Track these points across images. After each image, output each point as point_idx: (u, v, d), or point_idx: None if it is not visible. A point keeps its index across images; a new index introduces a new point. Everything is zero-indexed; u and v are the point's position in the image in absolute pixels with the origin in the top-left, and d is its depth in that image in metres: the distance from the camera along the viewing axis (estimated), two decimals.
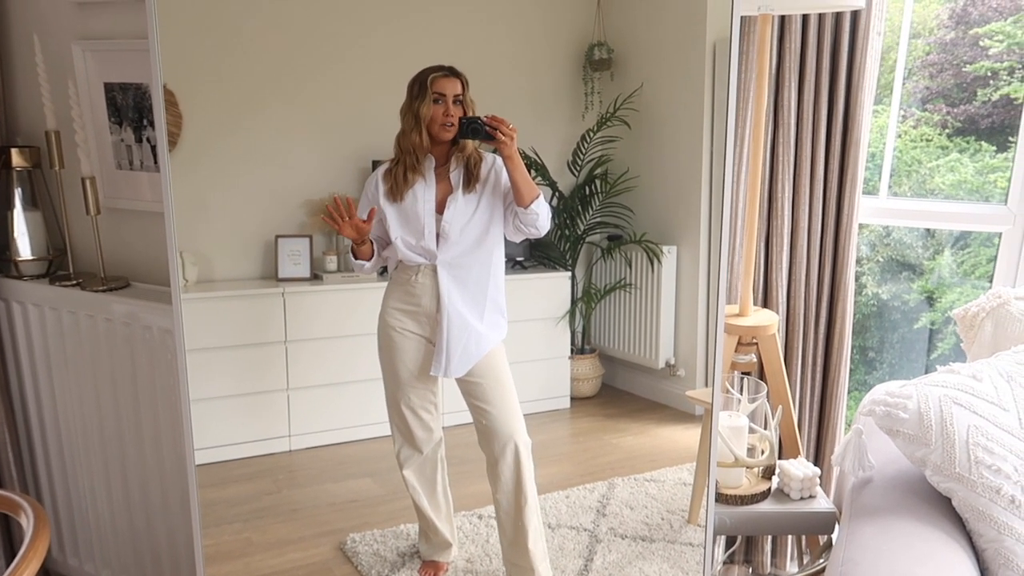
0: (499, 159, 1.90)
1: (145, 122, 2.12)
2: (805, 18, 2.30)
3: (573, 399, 2.71)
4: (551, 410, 2.69)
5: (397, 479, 2.13)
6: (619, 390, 2.78)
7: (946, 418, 1.47)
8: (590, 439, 2.67)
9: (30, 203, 2.21)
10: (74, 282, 2.17)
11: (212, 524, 2.25)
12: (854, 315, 2.49)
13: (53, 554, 2.38)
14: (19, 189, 2.18)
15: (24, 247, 2.21)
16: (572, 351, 2.67)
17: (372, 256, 1.98)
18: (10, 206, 2.19)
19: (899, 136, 2.69)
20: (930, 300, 2.92)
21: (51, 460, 2.33)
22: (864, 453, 1.64)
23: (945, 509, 1.49)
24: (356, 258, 1.99)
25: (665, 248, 2.56)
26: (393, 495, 2.31)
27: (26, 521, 1.50)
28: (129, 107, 2.12)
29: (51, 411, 2.28)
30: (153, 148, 2.13)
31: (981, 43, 2.61)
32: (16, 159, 2.16)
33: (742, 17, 2.16)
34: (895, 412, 1.52)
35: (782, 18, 2.30)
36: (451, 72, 1.90)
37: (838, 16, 2.31)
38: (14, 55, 2.22)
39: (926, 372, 2.93)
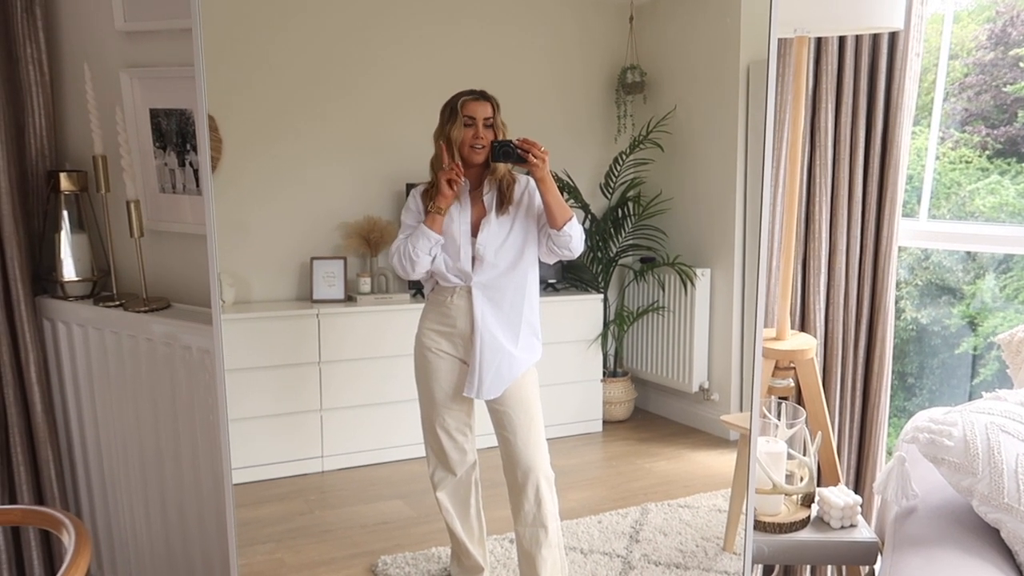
0: (532, 181, 1.91)
1: (188, 146, 2.17)
2: (842, 39, 2.29)
3: (605, 423, 2.68)
4: (583, 433, 2.66)
5: (429, 501, 2.13)
6: (652, 414, 2.75)
7: (993, 446, 1.44)
8: (623, 463, 2.63)
9: (77, 226, 2.27)
10: (117, 303, 2.22)
11: (245, 544, 2.25)
12: (893, 340, 2.44)
13: (91, 571, 2.40)
14: (66, 212, 2.24)
15: (70, 268, 2.26)
16: (604, 374, 2.65)
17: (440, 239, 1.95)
18: (58, 228, 2.25)
19: (937, 158, 2.65)
20: (971, 325, 2.86)
21: (91, 478, 2.36)
22: (908, 482, 1.60)
23: (993, 541, 1.45)
24: (431, 228, 1.93)
25: (699, 271, 2.54)
26: (425, 517, 2.30)
27: (67, 538, 1.52)
28: (173, 132, 2.18)
29: (92, 429, 2.31)
30: (195, 172, 2.18)
31: (1021, 64, 2.58)
32: (64, 183, 2.23)
33: (778, 39, 2.15)
34: (940, 440, 1.49)
35: (818, 40, 2.29)
36: (482, 96, 1.92)
37: (875, 37, 2.29)
38: (65, 83, 2.29)
39: (968, 398, 2.87)
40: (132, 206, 2.13)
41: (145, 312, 2.15)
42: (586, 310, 2.60)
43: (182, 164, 2.19)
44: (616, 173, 2.52)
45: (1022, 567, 1.43)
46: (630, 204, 2.55)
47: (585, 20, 2.55)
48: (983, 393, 1.62)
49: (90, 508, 2.39)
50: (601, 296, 2.60)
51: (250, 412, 2.30)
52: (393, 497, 2.45)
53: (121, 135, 2.11)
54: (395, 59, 2.35)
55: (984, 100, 2.69)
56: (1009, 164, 2.68)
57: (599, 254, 2.57)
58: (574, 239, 1.92)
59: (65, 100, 2.30)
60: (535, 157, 1.84)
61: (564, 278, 2.58)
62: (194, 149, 2.15)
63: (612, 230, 2.56)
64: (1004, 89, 2.63)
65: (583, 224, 2.43)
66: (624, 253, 2.59)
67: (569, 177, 2.43)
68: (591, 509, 2.41)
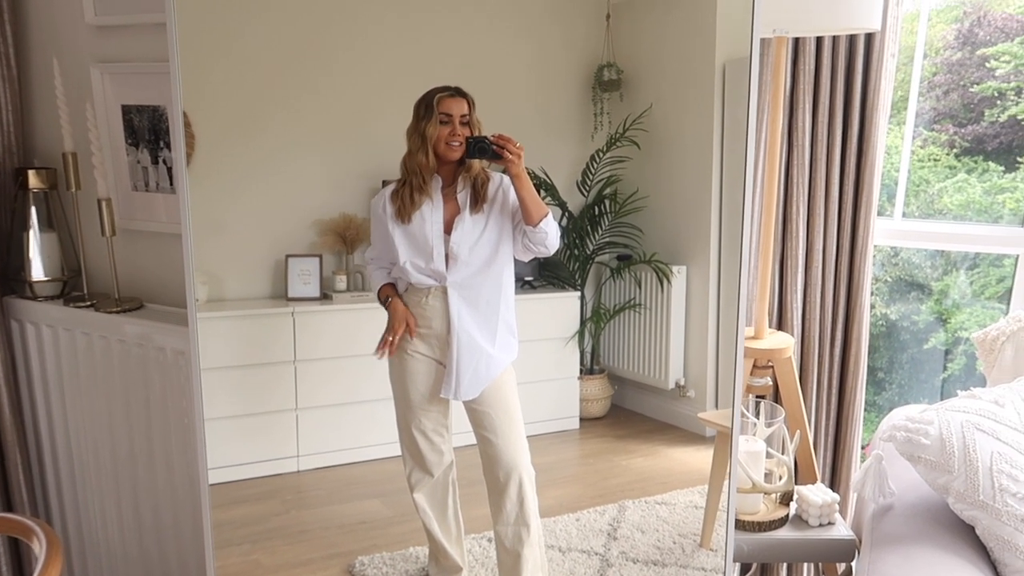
0: (506, 178, 1.90)
1: (161, 143, 2.13)
2: (819, 40, 2.31)
3: (582, 420, 2.68)
4: (560, 431, 2.66)
5: (406, 500, 2.12)
6: (629, 411, 2.76)
7: (969, 444, 1.46)
8: (600, 460, 2.64)
9: (46, 224, 2.22)
10: (88, 303, 2.17)
11: (220, 546, 2.22)
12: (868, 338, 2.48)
13: None
14: (35, 210, 2.20)
15: (39, 268, 2.21)
16: (581, 371, 2.66)
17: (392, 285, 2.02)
18: (26, 227, 2.20)
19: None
20: (940, 320, 2.92)
21: (62, 482, 2.32)
22: (885, 480, 1.63)
23: (969, 538, 1.48)
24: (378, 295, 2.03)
25: (675, 268, 2.55)
26: (402, 517, 2.29)
27: (38, 546, 1.49)
28: (145, 129, 2.13)
29: (63, 433, 2.27)
30: (169, 170, 2.14)
31: (988, 64, 2.62)
32: (33, 180, 2.18)
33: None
34: (916, 438, 1.51)
35: (796, 40, 2.31)
36: (457, 92, 1.90)
37: (851, 38, 2.32)
38: (33, 78, 2.24)
39: (938, 393, 2.92)
40: (103, 204, 2.09)
41: (117, 312, 2.11)
42: (563, 308, 2.60)
43: (155, 161, 2.15)
44: (593, 171, 2.52)
45: (997, 564, 1.46)
46: (607, 202, 2.56)
47: (562, 17, 2.55)
48: (958, 391, 1.65)
49: (61, 513, 2.35)
50: (578, 294, 2.60)
51: (224, 412, 2.28)
52: (370, 497, 2.43)
53: (92, 131, 2.07)
54: (370, 53, 2.33)
55: (952, 99, 2.73)
56: (976, 162, 2.73)
57: (576, 251, 2.57)
58: (550, 235, 1.91)
59: (33, 95, 2.25)
60: (510, 153, 1.82)
61: (541, 276, 2.58)
62: (167, 146, 2.11)
63: (589, 227, 2.57)
64: (971, 89, 2.67)
65: (560, 222, 2.43)
66: (601, 250, 2.60)
67: (546, 174, 2.43)
68: (569, 507, 2.42)
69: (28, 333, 2.24)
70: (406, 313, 1.97)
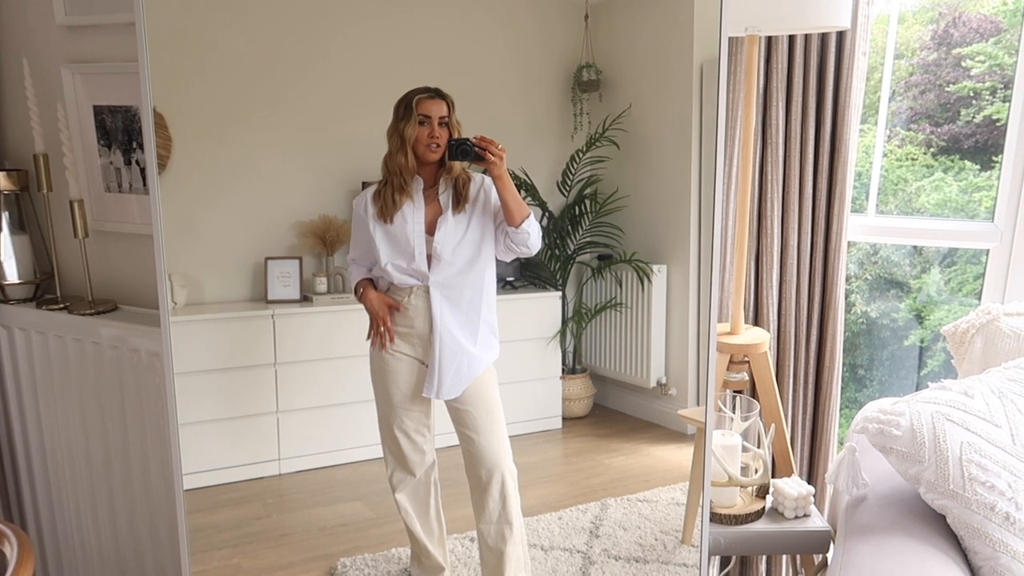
0: (488, 179, 1.90)
1: (134, 145, 2.12)
2: (791, 38, 2.33)
3: (565, 419, 2.69)
4: (543, 430, 2.67)
5: (388, 502, 2.11)
6: (611, 410, 2.77)
7: (939, 435, 1.48)
8: (582, 459, 2.65)
9: (17, 226, 2.21)
10: (61, 306, 2.16)
11: (201, 550, 2.21)
12: (844, 333, 2.50)
13: None
14: (6, 212, 2.19)
15: (11, 271, 2.20)
16: (563, 371, 2.66)
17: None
18: None
19: (885, 155, 2.71)
20: (918, 318, 2.94)
21: (36, 486, 2.30)
22: (858, 471, 1.64)
23: (940, 527, 1.49)
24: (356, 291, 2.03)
25: (655, 267, 2.56)
26: (384, 518, 2.29)
27: (9, 550, 1.47)
28: (118, 130, 2.12)
29: (37, 436, 2.25)
30: (142, 171, 2.13)
31: (963, 64, 2.65)
32: (3, 182, 2.16)
33: (729, 38, 2.18)
34: (888, 429, 1.52)
35: (769, 39, 2.33)
36: (436, 94, 1.90)
37: (823, 36, 2.34)
38: (3, 79, 2.23)
39: (916, 389, 2.94)
40: (76, 206, 2.07)
41: (91, 315, 2.10)
42: (544, 307, 2.61)
43: (128, 163, 2.14)
44: (573, 171, 2.53)
45: (967, 551, 1.47)
46: (587, 201, 2.57)
47: (541, 17, 2.56)
48: (929, 383, 1.66)
49: (35, 517, 2.33)
50: (559, 293, 2.60)
51: (204, 415, 2.27)
52: (352, 499, 2.43)
53: (63, 133, 2.06)
54: (348, 53, 2.33)
55: (928, 99, 2.75)
56: (952, 161, 2.75)
57: (557, 251, 2.58)
58: (532, 236, 1.92)
59: (3, 97, 2.24)
60: (492, 155, 1.83)
61: (522, 276, 2.58)
62: (140, 147, 2.11)
63: (569, 227, 2.57)
64: (947, 88, 2.70)
65: (540, 222, 2.44)
66: (582, 250, 2.61)
67: (526, 175, 2.43)
68: (551, 506, 2.42)
69: (0, 336, 2.22)
70: (380, 297, 1.96)
